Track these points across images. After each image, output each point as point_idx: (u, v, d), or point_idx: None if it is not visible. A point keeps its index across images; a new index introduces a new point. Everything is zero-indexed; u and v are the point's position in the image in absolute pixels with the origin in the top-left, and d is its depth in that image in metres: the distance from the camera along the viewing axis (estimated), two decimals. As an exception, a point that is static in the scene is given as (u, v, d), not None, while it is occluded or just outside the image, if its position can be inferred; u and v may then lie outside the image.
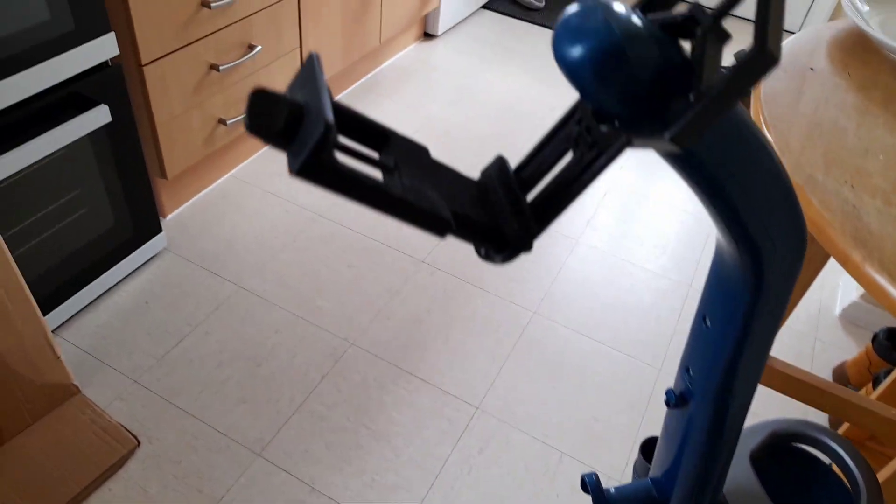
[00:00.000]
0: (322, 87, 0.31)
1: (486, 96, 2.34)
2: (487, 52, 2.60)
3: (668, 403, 0.57)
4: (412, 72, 2.42)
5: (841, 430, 1.35)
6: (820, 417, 1.45)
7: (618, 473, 1.31)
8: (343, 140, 0.33)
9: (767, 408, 1.45)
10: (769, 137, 0.78)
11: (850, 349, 1.63)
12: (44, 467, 1.17)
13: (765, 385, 1.14)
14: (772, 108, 0.83)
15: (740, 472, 0.73)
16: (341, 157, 0.31)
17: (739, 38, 2.79)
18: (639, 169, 2.11)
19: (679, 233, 1.89)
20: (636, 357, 1.53)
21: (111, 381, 1.35)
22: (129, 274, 1.56)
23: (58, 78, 1.19)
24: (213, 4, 1.46)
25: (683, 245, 1.85)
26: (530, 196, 0.39)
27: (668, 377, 1.50)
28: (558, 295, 1.66)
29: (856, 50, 0.97)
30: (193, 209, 1.76)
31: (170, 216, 1.73)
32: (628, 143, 0.33)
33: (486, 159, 2.07)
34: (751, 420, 0.66)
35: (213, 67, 1.56)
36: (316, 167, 0.29)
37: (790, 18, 3.02)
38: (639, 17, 0.32)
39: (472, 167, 2.02)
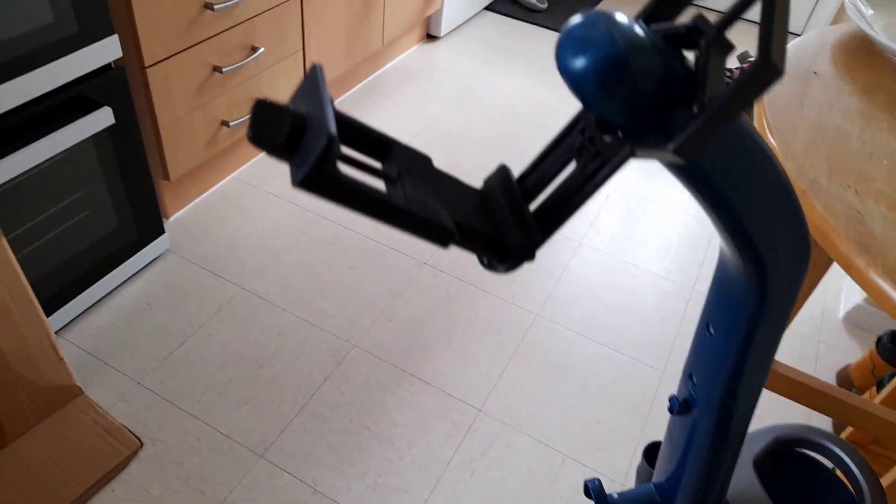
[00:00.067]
0: (325, 97, 0.31)
1: (488, 98, 2.34)
2: (490, 53, 2.60)
3: (671, 410, 0.57)
4: (415, 73, 2.42)
5: (844, 434, 1.35)
6: (823, 421, 1.45)
7: (621, 476, 1.31)
8: (346, 150, 0.33)
9: (771, 411, 1.45)
10: (772, 142, 0.78)
11: (853, 352, 1.63)
12: (47, 468, 1.17)
13: (768, 389, 1.14)
14: (775, 112, 0.83)
15: (744, 477, 0.73)
16: (344, 168, 0.31)
17: (744, 39, 2.79)
18: (641, 171, 2.10)
19: (682, 235, 1.89)
20: (639, 360, 1.53)
21: (114, 383, 1.35)
22: (132, 275, 1.56)
23: (61, 80, 1.19)
24: (216, 6, 1.46)
25: (686, 247, 1.85)
26: (533, 205, 0.39)
27: (671, 380, 1.50)
28: (561, 297, 1.65)
29: (859, 53, 0.97)
30: (196, 211, 1.76)
31: (172, 218, 1.73)
32: (632, 154, 0.33)
33: (489, 161, 2.06)
34: (754, 423, 0.66)
35: (216, 69, 1.56)
36: (319, 179, 0.29)
37: (793, 20, 3.01)
38: (642, 27, 0.32)
39: (474, 169, 2.02)
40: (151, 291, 1.54)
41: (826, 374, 1.57)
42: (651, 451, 0.77)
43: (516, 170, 2.03)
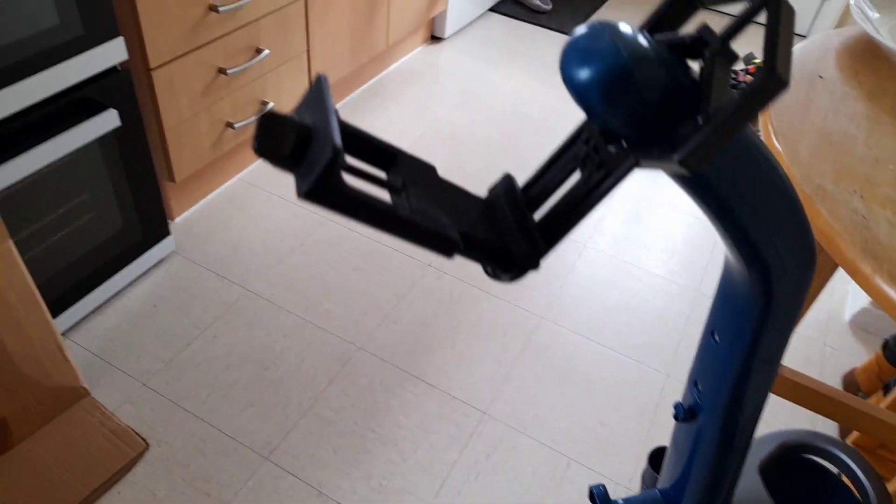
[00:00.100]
0: (330, 108, 0.31)
1: (492, 99, 2.34)
2: (494, 54, 2.59)
3: (676, 417, 0.57)
4: (419, 74, 2.42)
5: (850, 439, 1.34)
6: (829, 425, 1.45)
7: (626, 479, 1.31)
8: (351, 160, 0.33)
9: (776, 416, 1.45)
10: (777, 147, 0.78)
11: (859, 355, 1.62)
12: (53, 470, 1.18)
13: (773, 393, 1.13)
14: (780, 116, 0.83)
15: (749, 483, 0.72)
16: (349, 179, 0.31)
17: (752, 41, 2.78)
18: (646, 173, 2.10)
19: (687, 237, 1.88)
20: (644, 362, 1.53)
21: (120, 384, 1.36)
22: (138, 277, 1.56)
23: (67, 82, 1.19)
24: (221, 8, 1.47)
25: (691, 249, 1.84)
26: (538, 215, 0.39)
27: (677, 382, 1.50)
28: (566, 299, 1.65)
29: (865, 57, 0.97)
30: (201, 212, 1.76)
31: (178, 219, 1.73)
32: (636, 165, 0.33)
33: (493, 163, 2.06)
34: (760, 428, 0.65)
35: (221, 71, 1.56)
36: (324, 191, 0.29)
37: (798, 21, 3.00)
38: (646, 38, 0.32)
39: (478, 171, 2.02)
40: (157, 293, 1.54)
41: (832, 377, 1.57)
42: (656, 457, 0.77)
43: (520, 173, 2.03)
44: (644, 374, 1.50)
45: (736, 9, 0.35)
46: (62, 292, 1.37)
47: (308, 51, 1.85)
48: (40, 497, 1.14)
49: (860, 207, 0.71)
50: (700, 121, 0.31)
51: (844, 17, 2.83)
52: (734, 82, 2.20)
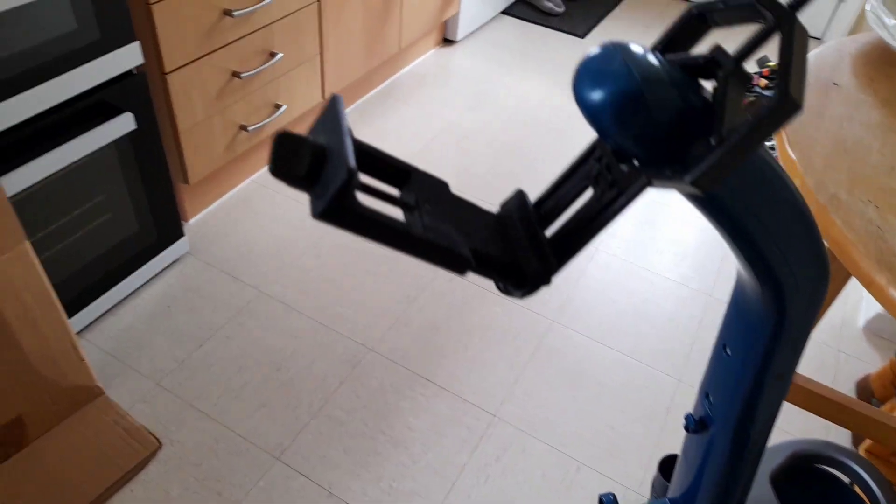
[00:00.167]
0: (344, 129, 0.31)
1: (504, 102, 2.34)
2: (507, 57, 2.59)
3: (687, 428, 0.57)
4: (431, 77, 2.43)
5: (864, 447, 1.33)
6: (842, 432, 1.44)
7: (636, 484, 1.31)
8: (365, 178, 0.34)
9: (789, 422, 1.44)
10: (791, 155, 0.77)
11: (873, 361, 1.61)
12: (67, 468, 1.19)
13: (786, 401, 1.13)
14: (794, 125, 0.82)
15: (761, 493, 0.72)
16: (363, 197, 0.31)
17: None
18: (659, 175, 2.09)
19: (699, 241, 1.87)
20: (655, 367, 1.52)
21: (133, 384, 1.37)
22: (152, 278, 1.58)
23: (84, 86, 1.21)
24: (235, 12, 1.48)
25: (704, 253, 1.84)
26: (550, 231, 0.39)
27: (688, 387, 1.49)
28: (577, 302, 1.65)
29: (880, 64, 0.96)
30: (215, 214, 1.78)
31: (192, 221, 1.75)
32: (648, 184, 0.33)
33: (503, 167, 2.06)
34: (772, 435, 0.65)
35: (235, 75, 1.57)
36: (338, 212, 0.29)
37: (813, 24, 2.97)
38: (658, 59, 0.32)
39: (489, 174, 2.02)
40: (171, 294, 1.56)
41: (845, 384, 1.55)
42: (666, 465, 0.77)
43: (531, 176, 2.03)
44: (655, 378, 1.50)
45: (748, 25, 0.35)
46: (77, 293, 1.39)
47: (321, 54, 1.85)
48: (54, 494, 1.16)
49: (875, 217, 0.71)
50: (713, 142, 0.31)
51: (860, 21, 2.80)
52: (748, 86, 2.18)
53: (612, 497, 0.67)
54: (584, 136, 2.23)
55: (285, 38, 1.69)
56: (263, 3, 1.55)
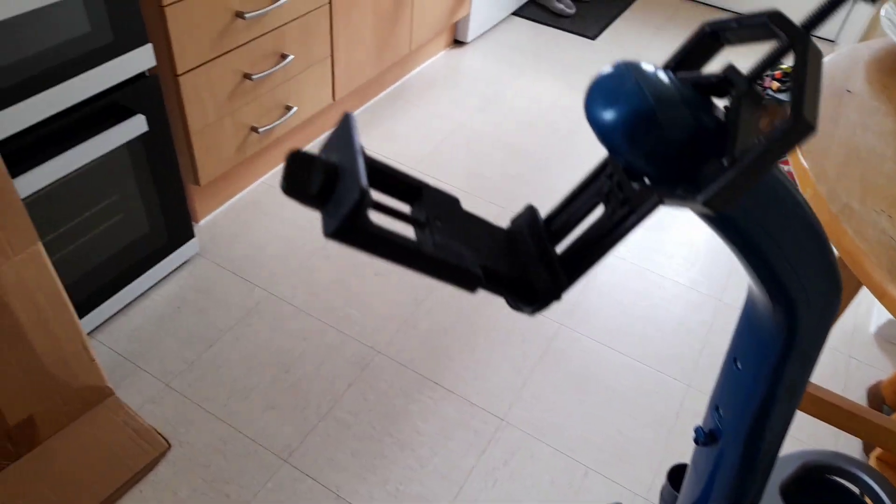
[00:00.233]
0: (357, 147, 0.31)
1: (515, 103, 2.33)
2: (517, 58, 2.59)
3: (697, 441, 0.57)
4: (441, 79, 2.43)
5: (874, 454, 1.32)
6: (853, 440, 1.43)
7: (644, 490, 1.30)
8: (376, 194, 0.34)
9: (799, 430, 1.43)
10: (804, 164, 0.77)
11: (885, 368, 1.60)
12: (77, 468, 1.20)
13: (795, 407, 1.12)
14: (807, 133, 0.82)
15: (769, 504, 0.72)
16: (374, 215, 0.32)
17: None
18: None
19: (710, 245, 1.87)
20: (664, 371, 1.52)
21: (143, 384, 1.38)
22: (162, 279, 1.59)
23: (97, 88, 1.22)
24: (247, 15, 1.48)
25: (713, 258, 1.83)
26: (560, 247, 0.39)
27: (697, 392, 1.49)
28: (586, 306, 1.65)
29: (895, 71, 0.95)
30: (225, 215, 1.79)
31: (202, 222, 1.76)
32: (660, 202, 0.33)
33: (513, 170, 2.06)
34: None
35: (247, 77, 1.58)
36: (350, 231, 0.29)
37: (826, 27, 2.95)
38: (670, 78, 0.32)
39: (498, 176, 2.02)
40: (181, 295, 1.56)
41: (857, 390, 1.54)
42: (676, 474, 0.77)
43: (541, 180, 2.02)
44: (664, 383, 1.49)
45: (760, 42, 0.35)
46: (88, 294, 1.40)
47: (332, 56, 1.86)
48: (65, 494, 1.17)
49: (888, 227, 0.70)
50: (726, 162, 0.31)
51: (874, 24, 2.78)
52: (759, 87, 2.17)
53: (620, 507, 0.67)
54: (594, 139, 2.22)
55: (296, 40, 1.69)
56: (275, 5, 1.55)
